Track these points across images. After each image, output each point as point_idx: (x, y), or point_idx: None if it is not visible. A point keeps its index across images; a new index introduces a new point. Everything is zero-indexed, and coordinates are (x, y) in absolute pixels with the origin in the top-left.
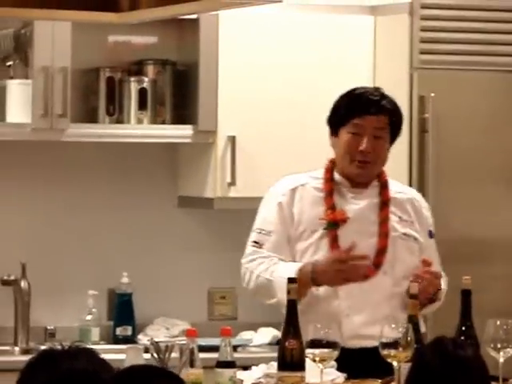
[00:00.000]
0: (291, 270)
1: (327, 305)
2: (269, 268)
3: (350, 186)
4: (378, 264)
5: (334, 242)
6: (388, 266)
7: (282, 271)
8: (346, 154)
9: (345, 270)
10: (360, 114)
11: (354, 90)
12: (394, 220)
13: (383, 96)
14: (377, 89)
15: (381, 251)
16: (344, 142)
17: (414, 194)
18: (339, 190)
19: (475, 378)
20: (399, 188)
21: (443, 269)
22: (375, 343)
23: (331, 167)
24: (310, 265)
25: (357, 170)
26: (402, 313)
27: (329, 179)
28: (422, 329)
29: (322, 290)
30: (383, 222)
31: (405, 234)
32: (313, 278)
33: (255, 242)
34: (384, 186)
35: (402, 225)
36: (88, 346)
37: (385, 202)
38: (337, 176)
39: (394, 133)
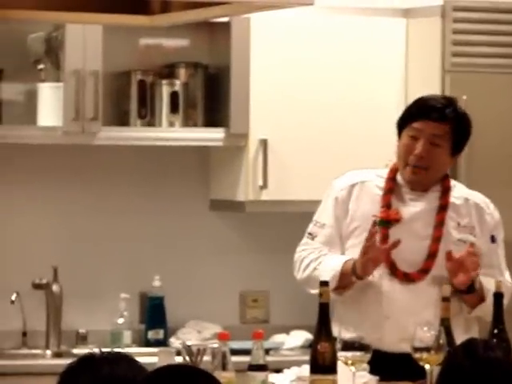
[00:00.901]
0: (337, 261)
1: (370, 306)
2: (318, 258)
3: (410, 188)
4: (426, 268)
5: (384, 241)
6: (437, 272)
7: (328, 263)
8: (402, 157)
9: (369, 251)
10: (420, 118)
11: (426, 96)
12: (450, 225)
13: (449, 104)
14: (446, 97)
15: (431, 256)
16: (402, 145)
17: (479, 199)
18: (399, 191)
19: (505, 380)
20: (464, 193)
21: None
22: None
23: (396, 168)
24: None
25: (409, 175)
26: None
27: (391, 179)
28: (474, 333)
29: (367, 290)
30: (438, 226)
31: (460, 240)
32: (353, 269)
33: (309, 233)
34: (445, 191)
35: (458, 230)
36: (125, 352)
37: (443, 207)
38: (399, 177)
39: (458, 143)
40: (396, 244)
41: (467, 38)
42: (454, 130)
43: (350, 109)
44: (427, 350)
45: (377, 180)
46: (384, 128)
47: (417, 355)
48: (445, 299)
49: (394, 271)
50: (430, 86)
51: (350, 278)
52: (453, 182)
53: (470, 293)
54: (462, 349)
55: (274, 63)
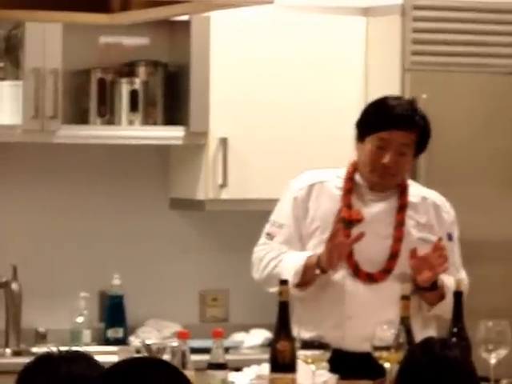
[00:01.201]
0: (300, 257)
1: (332, 306)
2: (278, 256)
3: (369, 188)
4: (388, 268)
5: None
6: (399, 271)
7: (290, 259)
8: (368, 164)
9: (334, 246)
10: (388, 127)
11: (387, 99)
12: (410, 225)
13: (415, 110)
14: (409, 102)
15: (393, 256)
16: (368, 152)
17: (435, 197)
18: (358, 191)
19: (462, 379)
20: (421, 191)
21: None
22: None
23: (354, 168)
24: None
25: (377, 180)
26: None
27: (350, 179)
28: (432, 331)
29: (330, 290)
30: (398, 226)
31: (420, 239)
32: (317, 262)
33: (268, 233)
34: (403, 191)
35: (418, 229)
36: (84, 350)
37: (402, 206)
38: (358, 177)
39: (420, 148)
40: (360, 237)
41: (427, 37)
42: (418, 136)
43: (309, 108)
44: (387, 348)
45: (335, 180)
46: (344, 127)
47: (377, 354)
48: (404, 298)
49: (356, 272)
50: (389, 84)
51: (313, 272)
52: (409, 181)
53: (432, 290)
54: (420, 347)
55: (233, 62)
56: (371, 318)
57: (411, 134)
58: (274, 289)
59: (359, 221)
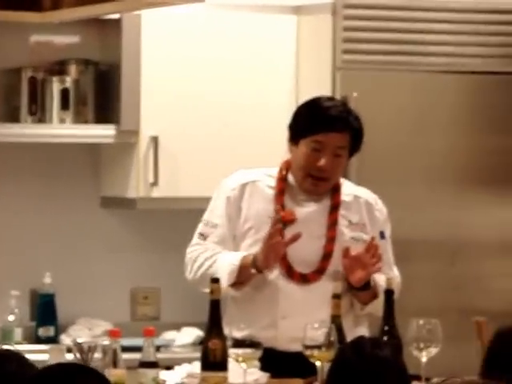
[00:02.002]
0: (236, 256)
1: (266, 306)
2: (212, 256)
3: (299, 189)
4: (322, 269)
5: None
6: (333, 271)
7: (225, 258)
8: (302, 168)
9: (270, 246)
10: (324, 130)
11: (320, 100)
12: (342, 224)
13: (350, 112)
14: (344, 103)
15: (326, 256)
16: (302, 155)
17: (367, 195)
18: (291, 191)
19: (392, 378)
20: (353, 190)
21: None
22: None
23: (286, 167)
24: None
25: (310, 187)
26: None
27: (282, 179)
28: (363, 330)
29: (264, 290)
30: (331, 226)
31: (353, 238)
32: (253, 262)
33: (201, 233)
34: (336, 190)
35: (351, 228)
36: (15, 349)
37: (334, 206)
38: (290, 177)
39: (354, 149)
40: (296, 237)
41: (358, 36)
42: (353, 137)
43: (241, 106)
44: (318, 347)
45: (268, 179)
46: (275, 126)
47: (308, 352)
48: (335, 296)
49: (290, 272)
50: (320, 83)
51: (249, 271)
52: (341, 180)
53: (365, 290)
54: (351, 346)
55: (165, 60)
56: (305, 318)
57: (346, 136)
58: (208, 289)
59: (292, 221)
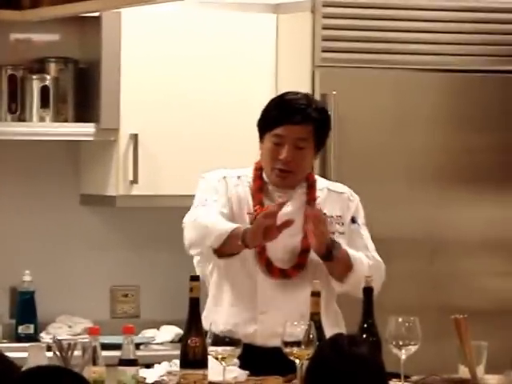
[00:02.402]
0: (229, 224)
1: (246, 300)
2: (208, 214)
3: (277, 186)
4: (301, 264)
5: None
6: (311, 266)
7: (220, 222)
8: (268, 162)
9: (261, 225)
10: (282, 123)
11: (284, 95)
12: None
13: (310, 104)
14: (306, 95)
15: (304, 251)
16: (266, 150)
17: (340, 188)
18: (267, 190)
19: (369, 376)
20: (325, 184)
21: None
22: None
23: (260, 167)
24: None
25: (276, 179)
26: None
27: (258, 177)
28: (341, 326)
29: (242, 286)
30: (308, 222)
31: (330, 232)
32: (242, 236)
33: (203, 206)
34: (311, 186)
35: (328, 222)
36: None
37: (311, 201)
38: (265, 176)
39: (321, 140)
40: (288, 224)
41: (337, 34)
42: (316, 129)
43: (221, 105)
44: (297, 344)
45: (246, 178)
46: (255, 124)
47: (287, 350)
48: (314, 294)
49: (269, 268)
50: (300, 81)
51: (236, 242)
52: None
53: (328, 259)
54: (329, 344)
55: (144, 58)
56: (284, 314)
57: (307, 128)
58: (203, 246)
59: None
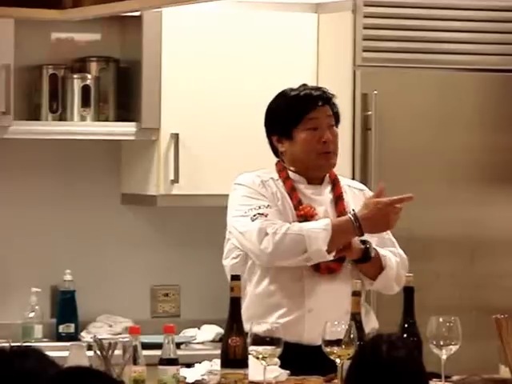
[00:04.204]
0: (321, 224)
1: (291, 301)
2: (295, 225)
3: (306, 182)
4: (341, 257)
5: None
6: (349, 261)
7: (311, 225)
8: (310, 151)
9: (389, 213)
10: (313, 107)
11: (286, 91)
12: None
13: (319, 87)
14: (305, 84)
15: (345, 246)
16: (303, 141)
17: (358, 185)
18: (298, 189)
19: (407, 380)
20: (345, 182)
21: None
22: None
23: (282, 167)
24: (347, 216)
25: (325, 163)
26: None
27: (286, 177)
28: (374, 323)
29: (288, 284)
30: (341, 216)
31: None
32: (359, 226)
33: (259, 214)
34: (335, 182)
35: None
36: (36, 346)
37: (338, 197)
38: (291, 174)
39: (338, 118)
40: (409, 198)
41: (378, 34)
42: (333, 107)
43: (261, 105)
44: (338, 343)
45: (277, 180)
46: None
47: (327, 349)
48: (355, 294)
49: (316, 265)
50: (341, 81)
51: (349, 237)
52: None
53: (366, 261)
54: (368, 346)
55: (185, 58)
56: (331, 312)
57: (329, 107)
58: (300, 257)
59: (314, 216)
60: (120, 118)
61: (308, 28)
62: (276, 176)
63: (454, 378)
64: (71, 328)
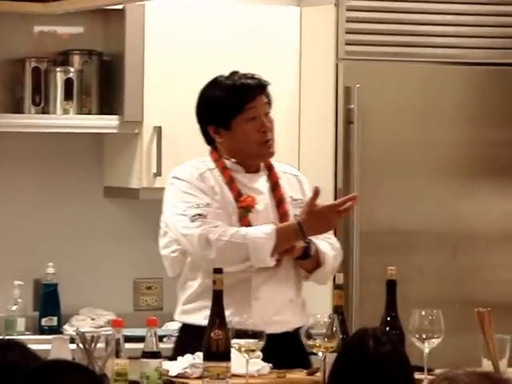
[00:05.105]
0: (265, 231)
1: (240, 288)
2: (238, 231)
3: (243, 171)
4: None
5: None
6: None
7: (255, 233)
8: (250, 141)
9: (332, 216)
10: (251, 97)
11: (224, 80)
12: (287, 201)
13: (253, 75)
14: (236, 71)
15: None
16: (243, 131)
17: (295, 171)
18: (235, 178)
19: (393, 374)
20: (282, 168)
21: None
22: (283, 329)
23: (218, 157)
24: (291, 223)
25: (267, 152)
26: (300, 297)
27: (223, 167)
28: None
29: (235, 273)
30: (281, 203)
31: (296, 215)
32: (303, 232)
33: (199, 214)
34: (271, 169)
35: (293, 205)
36: (18, 339)
37: (275, 184)
38: (228, 163)
39: (271, 102)
40: (353, 198)
41: (361, 27)
42: (266, 93)
43: None
44: (320, 336)
45: (214, 170)
46: (277, 116)
47: (310, 342)
48: (338, 287)
49: None
50: (323, 74)
51: (292, 241)
52: None
53: (306, 258)
54: (355, 341)
55: (168, 51)
56: (275, 299)
57: (264, 93)
58: (242, 265)
59: (253, 206)
60: (103, 111)
61: (290, 21)
62: (212, 165)
63: (437, 371)
64: (54, 321)
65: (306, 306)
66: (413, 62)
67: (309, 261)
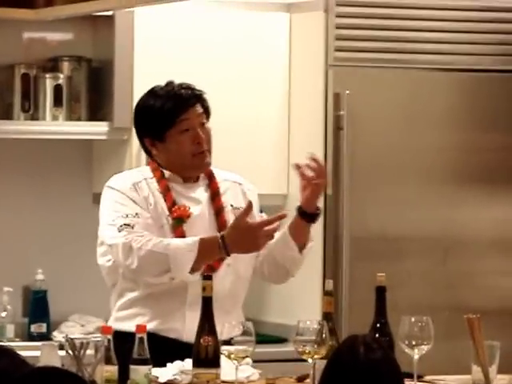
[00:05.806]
0: (188, 243)
1: (175, 296)
2: (162, 242)
3: (182, 181)
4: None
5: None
6: (231, 260)
7: (178, 244)
8: (184, 153)
9: (259, 235)
10: (184, 109)
11: (159, 91)
12: (227, 210)
13: (188, 85)
14: (171, 82)
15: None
16: (178, 143)
17: (239, 179)
18: (172, 187)
19: (384, 381)
20: (225, 176)
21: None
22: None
23: (156, 167)
24: (215, 236)
25: (202, 163)
26: (240, 309)
27: (161, 177)
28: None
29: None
30: (219, 212)
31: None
32: (225, 246)
33: (125, 224)
34: (211, 177)
35: (234, 214)
36: (7, 345)
37: (215, 193)
38: (166, 173)
39: (209, 113)
40: (282, 216)
41: (350, 33)
42: (203, 103)
43: (233, 104)
44: (310, 343)
45: (151, 180)
46: (267, 123)
47: (300, 349)
48: (327, 293)
49: None
50: (313, 80)
51: (214, 256)
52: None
53: (314, 220)
54: (345, 347)
55: (157, 57)
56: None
57: (199, 105)
58: (163, 277)
59: (189, 216)
60: (92, 117)
61: (280, 28)
62: (150, 175)
63: (427, 377)
64: (43, 328)
65: (242, 317)
66: (402, 68)
67: (307, 229)
